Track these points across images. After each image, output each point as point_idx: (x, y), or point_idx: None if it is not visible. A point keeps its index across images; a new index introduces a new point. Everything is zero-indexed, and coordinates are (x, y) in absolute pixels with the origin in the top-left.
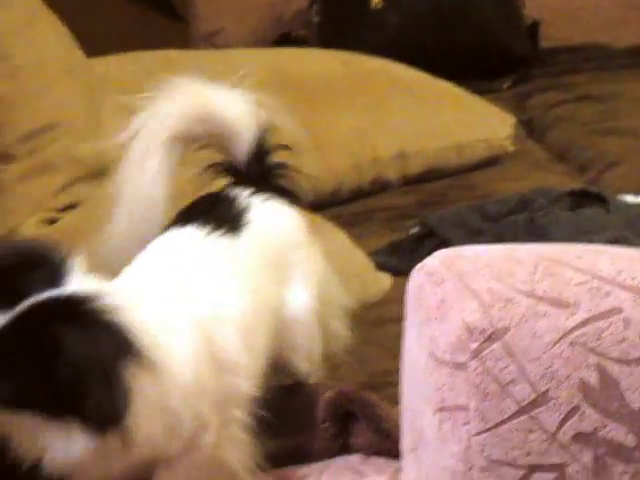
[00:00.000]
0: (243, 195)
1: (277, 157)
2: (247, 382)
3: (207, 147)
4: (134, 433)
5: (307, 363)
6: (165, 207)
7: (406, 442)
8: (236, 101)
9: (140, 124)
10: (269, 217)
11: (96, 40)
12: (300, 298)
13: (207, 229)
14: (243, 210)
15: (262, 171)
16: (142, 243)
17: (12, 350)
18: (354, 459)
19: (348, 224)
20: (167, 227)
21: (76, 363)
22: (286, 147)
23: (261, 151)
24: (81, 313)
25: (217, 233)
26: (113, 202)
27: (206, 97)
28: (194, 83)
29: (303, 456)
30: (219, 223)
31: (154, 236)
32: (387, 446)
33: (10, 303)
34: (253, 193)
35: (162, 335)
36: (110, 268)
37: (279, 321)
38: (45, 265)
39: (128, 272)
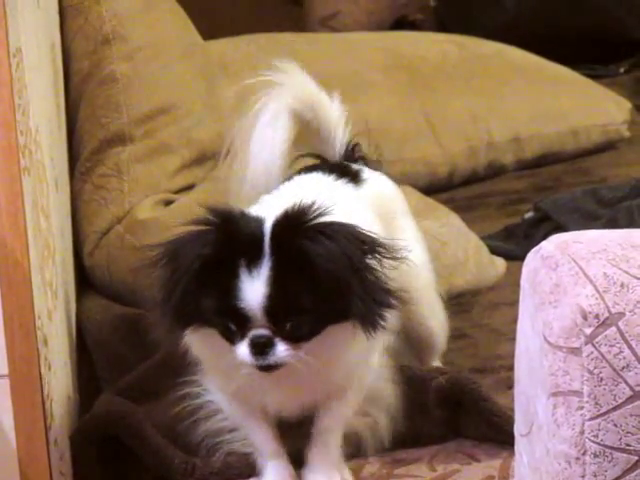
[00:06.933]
0: (353, 165)
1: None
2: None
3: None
4: None
5: (434, 320)
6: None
7: (519, 426)
8: (332, 105)
9: (261, 107)
10: (379, 183)
11: (213, 23)
12: (415, 251)
13: (333, 176)
14: (358, 171)
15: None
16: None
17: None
18: (466, 443)
19: (462, 208)
20: (290, 177)
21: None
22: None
23: (349, 156)
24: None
25: (343, 180)
26: (228, 183)
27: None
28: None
29: (416, 439)
30: (342, 174)
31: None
32: (499, 438)
33: None
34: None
35: None
36: None
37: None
38: None
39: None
